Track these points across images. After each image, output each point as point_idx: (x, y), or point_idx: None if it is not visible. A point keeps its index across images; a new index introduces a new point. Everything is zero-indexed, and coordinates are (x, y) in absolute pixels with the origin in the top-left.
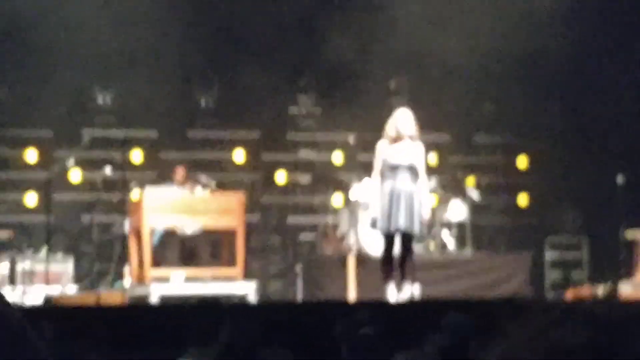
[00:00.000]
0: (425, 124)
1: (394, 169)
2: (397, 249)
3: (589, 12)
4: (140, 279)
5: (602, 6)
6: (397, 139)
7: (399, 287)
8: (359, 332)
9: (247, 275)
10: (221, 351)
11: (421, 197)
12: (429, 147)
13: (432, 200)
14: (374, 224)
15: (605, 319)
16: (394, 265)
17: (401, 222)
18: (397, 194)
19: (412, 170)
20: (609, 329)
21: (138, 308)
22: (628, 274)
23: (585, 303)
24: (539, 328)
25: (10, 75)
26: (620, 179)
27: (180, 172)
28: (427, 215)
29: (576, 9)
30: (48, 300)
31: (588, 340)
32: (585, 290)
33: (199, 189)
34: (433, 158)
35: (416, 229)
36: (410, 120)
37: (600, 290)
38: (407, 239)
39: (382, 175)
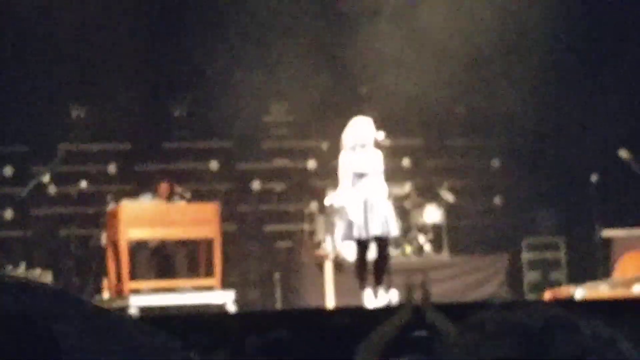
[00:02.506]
0: (398, 129)
1: (361, 176)
2: (371, 254)
3: (565, 15)
4: (119, 292)
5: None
6: (357, 147)
7: (375, 293)
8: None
9: (225, 284)
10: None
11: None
12: (402, 152)
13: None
14: (347, 234)
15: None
16: (368, 271)
17: (376, 228)
18: (369, 201)
19: (378, 176)
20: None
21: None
22: (606, 273)
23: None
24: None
25: None
26: (594, 178)
27: (164, 188)
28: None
29: (551, 14)
30: None
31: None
32: (564, 291)
33: (175, 199)
34: (407, 162)
35: (392, 233)
36: (369, 127)
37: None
38: (383, 244)
39: (352, 184)
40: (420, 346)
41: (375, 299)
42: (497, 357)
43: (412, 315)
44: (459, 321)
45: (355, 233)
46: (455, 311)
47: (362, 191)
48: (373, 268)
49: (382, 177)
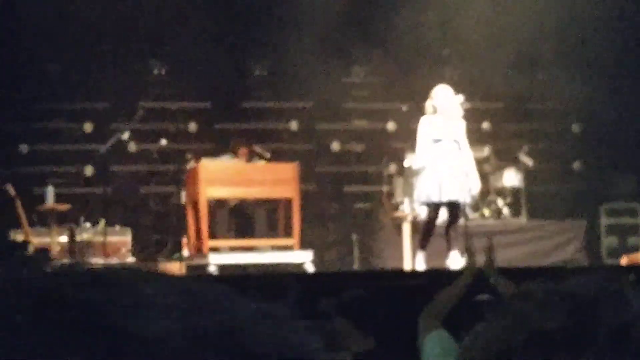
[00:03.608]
0: (478, 92)
1: (440, 143)
2: (443, 218)
3: None
4: (198, 250)
5: None
6: (438, 114)
7: (448, 255)
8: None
9: (304, 244)
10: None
11: (467, 169)
12: (482, 115)
13: (476, 174)
14: (421, 198)
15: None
16: (439, 235)
17: (449, 195)
18: (444, 168)
19: (456, 144)
20: (587, 304)
21: (196, 278)
22: None
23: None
24: (519, 314)
25: (65, 49)
26: None
27: (244, 151)
28: (476, 188)
29: None
30: None
31: (567, 320)
32: None
33: (254, 160)
34: (486, 126)
35: (464, 200)
36: (450, 95)
37: None
38: (453, 210)
39: (430, 150)
40: (483, 310)
41: (448, 260)
42: (545, 327)
43: (476, 279)
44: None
45: (428, 197)
46: (523, 276)
47: (439, 157)
48: (445, 232)
49: (463, 145)
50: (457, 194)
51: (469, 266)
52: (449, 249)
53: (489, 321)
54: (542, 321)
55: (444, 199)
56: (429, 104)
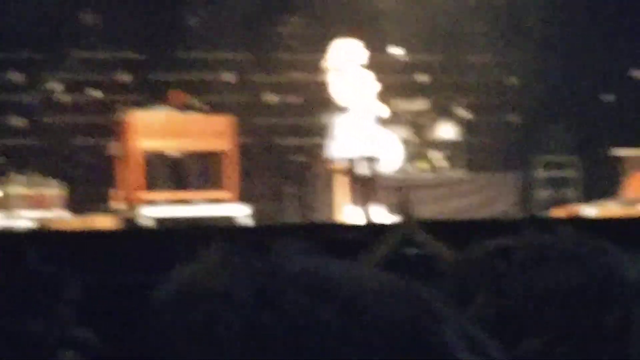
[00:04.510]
0: (417, 44)
1: (347, 98)
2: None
3: None
4: (131, 203)
5: None
6: (342, 70)
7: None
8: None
9: (239, 197)
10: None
11: (374, 122)
12: (419, 68)
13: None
14: (336, 152)
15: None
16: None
17: (359, 149)
18: (352, 122)
19: (362, 98)
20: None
21: (129, 231)
22: (615, 192)
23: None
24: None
25: None
26: (608, 98)
27: (177, 96)
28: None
29: None
30: (39, 224)
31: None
32: (573, 209)
33: (190, 111)
34: (424, 78)
35: (374, 153)
36: (350, 49)
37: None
38: (368, 162)
39: (342, 105)
40: (412, 265)
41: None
42: (529, 290)
43: (403, 234)
44: (470, 245)
45: (342, 152)
46: (453, 230)
47: (349, 112)
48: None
49: (368, 98)
50: (366, 148)
51: (400, 221)
52: (370, 201)
53: (447, 284)
54: (526, 283)
55: (354, 154)
56: (329, 60)
